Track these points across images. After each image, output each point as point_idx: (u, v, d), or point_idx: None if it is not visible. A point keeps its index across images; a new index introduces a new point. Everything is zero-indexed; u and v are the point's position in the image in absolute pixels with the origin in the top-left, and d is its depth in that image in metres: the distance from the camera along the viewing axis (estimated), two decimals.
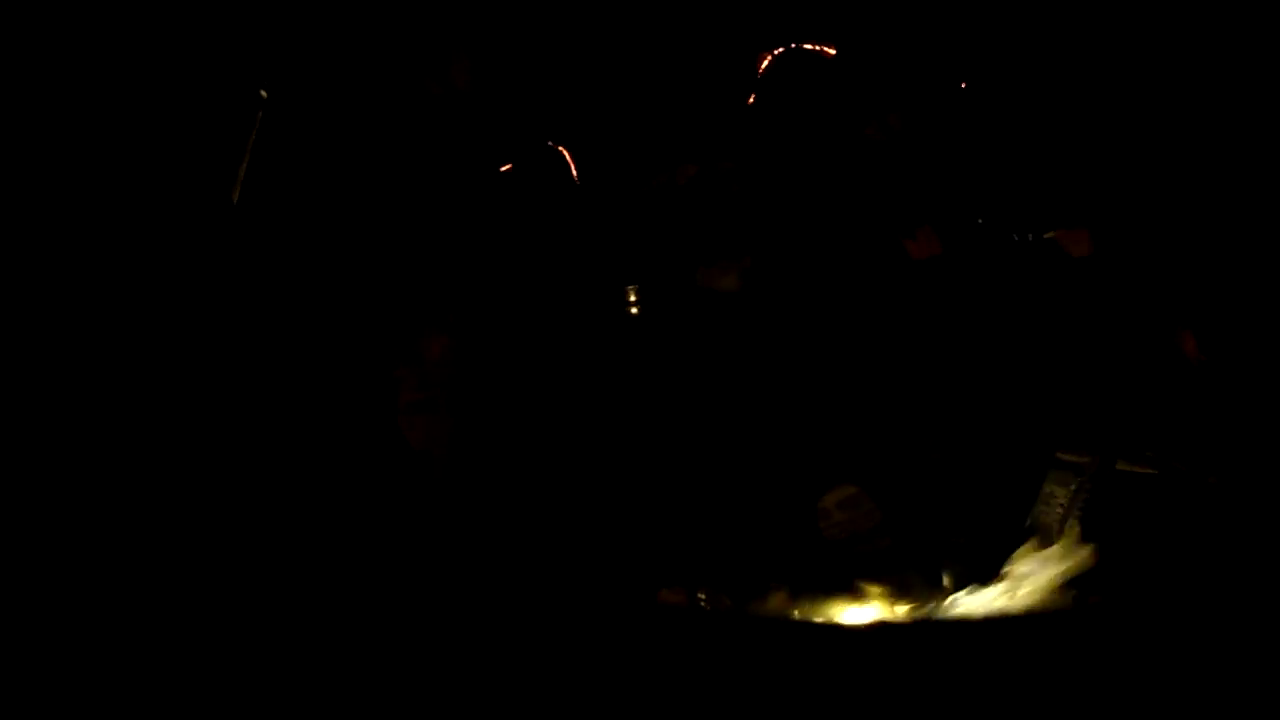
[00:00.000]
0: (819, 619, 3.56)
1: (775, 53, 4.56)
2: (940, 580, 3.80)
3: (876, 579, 3.74)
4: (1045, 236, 4.07)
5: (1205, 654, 3.05)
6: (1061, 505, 3.96)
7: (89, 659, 3.17)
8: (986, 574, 3.74)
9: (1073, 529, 3.95)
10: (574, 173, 4.54)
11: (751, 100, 4.59)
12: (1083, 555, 3.66)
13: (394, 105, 4.25)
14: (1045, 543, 3.96)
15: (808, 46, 4.55)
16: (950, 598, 3.70)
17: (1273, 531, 3.75)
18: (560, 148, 4.55)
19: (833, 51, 4.53)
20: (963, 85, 4.34)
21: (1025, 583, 3.64)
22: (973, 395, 4.13)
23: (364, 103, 4.21)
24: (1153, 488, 3.96)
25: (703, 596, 3.73)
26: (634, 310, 4.45)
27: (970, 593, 3.68)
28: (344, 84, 4.17)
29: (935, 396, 4.18)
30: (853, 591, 3.68)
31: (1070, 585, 3.66)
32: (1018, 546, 3.97)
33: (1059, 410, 4.08)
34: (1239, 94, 4.11)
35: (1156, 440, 3.99)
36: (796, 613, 3.59)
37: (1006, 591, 3.65)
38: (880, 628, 3.49)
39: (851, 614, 3.58)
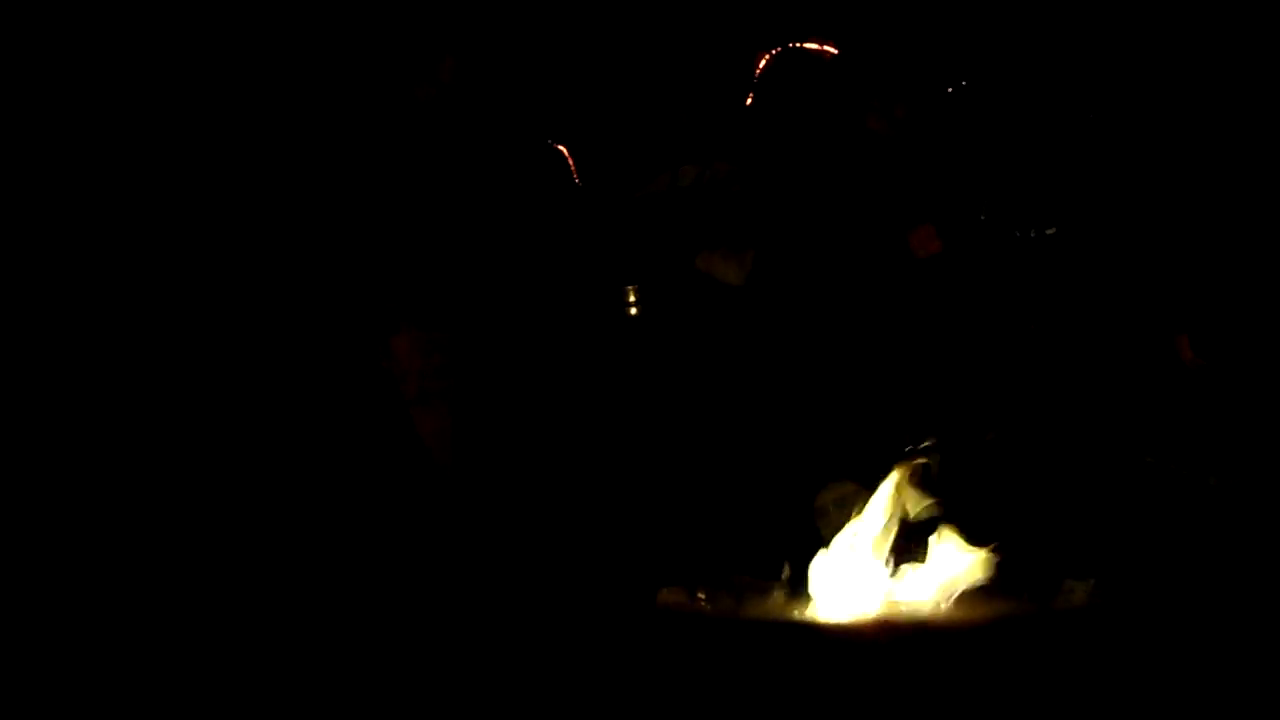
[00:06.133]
0: (818, 619, 3.56)
1: (774, 52, 4.56)
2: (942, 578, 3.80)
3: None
4: (1047, 233, 4.07)
5: (1205, 654, 3.05)
6: None
7: (89, 659, 3.17)
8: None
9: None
10: (574, 173, 4.53)
11: (750, 100, 4.59)
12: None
13: (385, 105, 4.25)
14: None
15: (807, 45, 4.55)
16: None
17: (1273, 531, 3.75)
18: (560, 147, 4.55)
19: (833, 50, 4.53)
20: (963, 83, 4.34)
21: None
22: (972, 393, 4.14)
23: (356, 104, 4.21)
24: (1153, 488, 3.97)
25: (703, 596, 3.73)
26: (633, 310, 4.45)
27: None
28: (334, 85, 4.17)
29: (935, 394, 4.18)
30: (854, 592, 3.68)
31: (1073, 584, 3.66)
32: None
33: (1058, 410, 4.08)
34: (1238, 95, 4.11)
35: (1155, 442, 4.00)
36: (796, 613, 3.59)
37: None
38: (880, 628, 3.48)
39: (851, 614, 3.58)
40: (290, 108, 4.04)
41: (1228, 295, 4.03)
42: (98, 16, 3.87)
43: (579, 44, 4.78)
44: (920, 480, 3.70)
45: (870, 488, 3.72)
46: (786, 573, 3.63)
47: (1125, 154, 4.13)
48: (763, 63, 4.57)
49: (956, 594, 3.52)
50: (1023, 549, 3.85)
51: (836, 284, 4.32)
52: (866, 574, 3.59)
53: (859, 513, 3.65)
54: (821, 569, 3.61)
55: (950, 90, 4.37)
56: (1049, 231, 4.07)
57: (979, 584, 3.51)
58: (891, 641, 3.31)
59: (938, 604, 3.52)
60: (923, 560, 3.57)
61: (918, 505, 3.68)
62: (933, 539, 3.57)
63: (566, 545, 4.01)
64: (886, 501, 3.62)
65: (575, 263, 4.41)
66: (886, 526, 3.61)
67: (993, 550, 3.52)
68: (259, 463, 3.77)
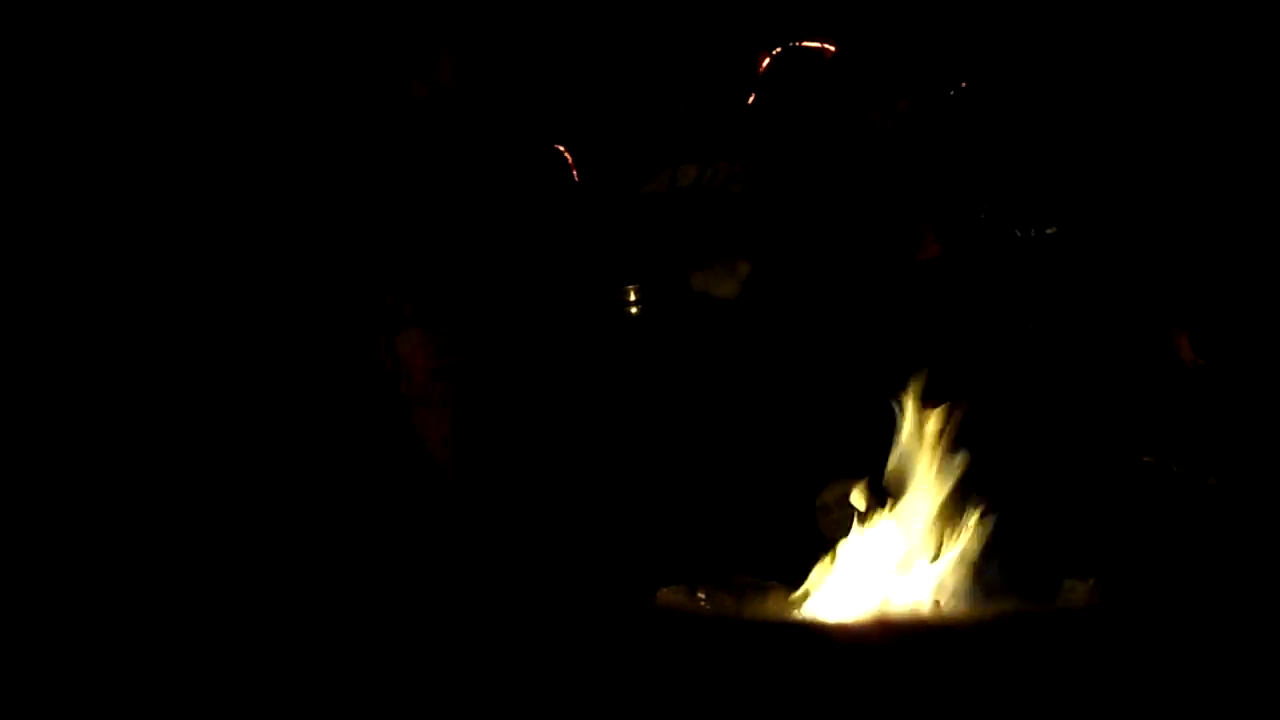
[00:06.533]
0: (819, 619, 3.56)
1: (775, 52, 4.56)
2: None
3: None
4: (1048, 232, 4.08)
5: (1205, 654, 3.05)
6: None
7: (89, 659, 3.17)
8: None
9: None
10: (574, 173, 4.54)
11: (752, 100, 4.59)
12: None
13: (383, 106, 4.25)
14: None
15: (808, 44, 4.55)
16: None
17: (1273, 531, 3.75)
18: (560, 147, 4.55)
19: (833, 49, 4.53)
20: (963, 83, 4.34)
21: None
22: (973, 392, 4.13)
23: (355, 102, 4.21)
24: (1152, 488, 3.97)
25: (703, 596, 3.73)
26: (633, 310, 4.46)
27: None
28: (333, 84, 4.17)
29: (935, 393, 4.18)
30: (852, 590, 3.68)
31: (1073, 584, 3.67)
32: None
33: (1058, 409, 4.08)
34: (1239, 95, 4.12)
35: (1156, 442, 4.00)
36: (796, 613, 3.58)
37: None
38: (880, 628, 3.48)
39: (851, 614, 3.58)
40: (289, 107, 4.04)
41: (1228, 295, 4.03)
42: (95, 14, 3.87)
43: (578, 43, 4.78)
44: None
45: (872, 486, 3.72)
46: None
47: (1125, 154, 4.13)
48: (765, 62, 4.58)
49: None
50: (1023, 549, 3.86)
51: (837, 283, 4.32)
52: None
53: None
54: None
55: (950, 91, 4.37)
56: (1049, 231, 4.07)
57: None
58: (891, 641, 3.31)
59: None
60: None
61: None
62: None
63: (566, 545, 4.01)
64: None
65: (575, 263, 4.41)
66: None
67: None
68: (259, 463, 3.77)
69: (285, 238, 3.98)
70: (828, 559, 3.58)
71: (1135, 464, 4.03)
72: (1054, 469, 4.03)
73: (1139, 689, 2.95)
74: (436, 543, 3.89)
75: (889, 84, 4.32)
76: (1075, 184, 4.14)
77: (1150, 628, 3.26)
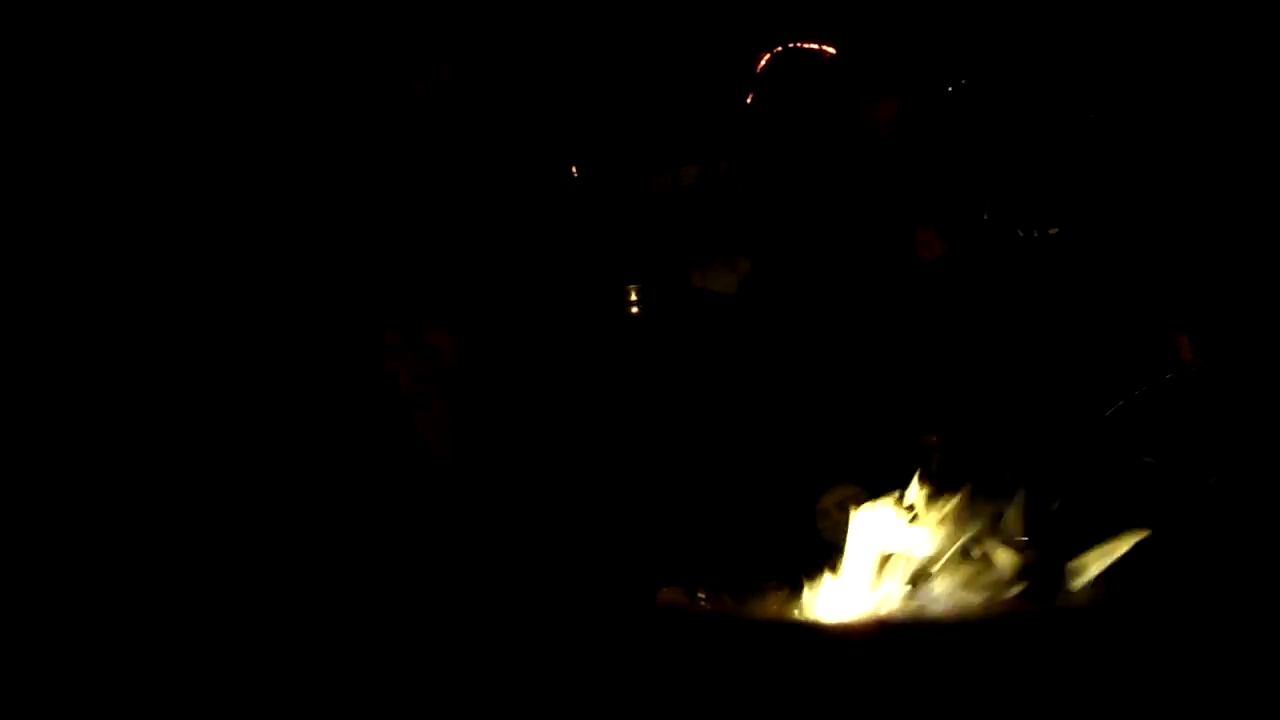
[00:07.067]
0: (818, 619, 3.56)
1: (775, 52, 4.57)
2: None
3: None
4: (1050, 232, 4.08)
5: (1205, 654, 3.05)
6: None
7: (89, 659, 3.17)
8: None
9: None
10: (574, 172, 4.54)
11: (751, 100, 4.59)
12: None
13: (385, 103, 4.25)
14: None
15: (807, 46, 4.55)
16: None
17: (1273, 531, 3.75)
18: (560, 148, 4.55)
19: (832, 51, 4.53)
20: (964, 82, 4.34)
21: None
22: (973, 393, 4.14)
23: (356, 102, 4.21)
24: (1153, 488, 3.97)
25: (703, 596, 3.73)
26: (634, 310, 4.46)
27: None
28: (334, 85, 4.17)
29: (935, 395, 4.18)
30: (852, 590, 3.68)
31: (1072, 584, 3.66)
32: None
33: (1057, 409, 4.08)
34: (1239, 95, 4.12)
35: (1155, 442, 4.00)
36: (796, 613, 3.58)
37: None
38: (879, 628, 3.48)
39: (851, 614, 3.58)
40: (291, 105, 4.04)
41: (1228, 295, 4.03)
42: (97, 15, 3.87)
43: (579, 43, 4.78)
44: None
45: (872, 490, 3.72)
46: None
47: (1126, 154, 4.14)
48: (763, 62, 4.58)
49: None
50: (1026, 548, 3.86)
51: (839, 284, 4.32)
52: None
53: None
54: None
55: (951, 90, 4.38)
56: (1051, 231, 4.08)
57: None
58: (890, 641, 3.32)
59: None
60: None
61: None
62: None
63: (566, 545, 4.01)
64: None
65: (575, 262, 4.41)
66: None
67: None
68: (259, 462, 3.77)
69: (286, 236, 3.98)
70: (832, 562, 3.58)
71: (1135, 464, 4.03)
72: (1054, 469, 4.03)
73: (1139, 688, 2.95)
74: (436, 541, 3.88)
75: (879, 86, 4.32)
76: (1076, 184, 4.15)
77: (1151, 627, 3.27)
